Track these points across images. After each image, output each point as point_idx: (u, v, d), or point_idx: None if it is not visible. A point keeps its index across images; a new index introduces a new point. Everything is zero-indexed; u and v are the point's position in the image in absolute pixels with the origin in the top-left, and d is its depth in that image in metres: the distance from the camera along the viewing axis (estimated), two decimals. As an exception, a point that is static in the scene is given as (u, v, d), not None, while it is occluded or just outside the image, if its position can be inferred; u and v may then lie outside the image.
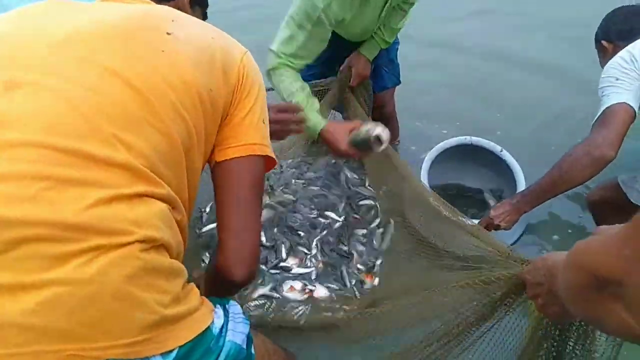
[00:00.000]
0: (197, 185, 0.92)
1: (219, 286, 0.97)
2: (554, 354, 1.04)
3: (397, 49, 2.37)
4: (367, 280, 1.61)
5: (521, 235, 2.08)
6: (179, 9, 0.98)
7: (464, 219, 1.45)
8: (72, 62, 0.77)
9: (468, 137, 2.16)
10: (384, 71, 2.35)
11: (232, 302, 0.96)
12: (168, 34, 0.84)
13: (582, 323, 0.99)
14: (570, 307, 0.70)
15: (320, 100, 1.93)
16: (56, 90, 0.73)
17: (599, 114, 1.67)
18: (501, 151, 2.09)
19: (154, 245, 0.74)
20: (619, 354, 0.98)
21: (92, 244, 0.67)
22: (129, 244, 0.70)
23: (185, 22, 0.90)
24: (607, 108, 1.64)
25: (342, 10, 1.72)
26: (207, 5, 1.30)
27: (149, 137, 0.77)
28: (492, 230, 1.77)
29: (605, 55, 1.87)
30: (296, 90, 1.76)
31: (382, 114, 2.42)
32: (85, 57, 0.78)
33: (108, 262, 0.68)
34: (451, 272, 1.28)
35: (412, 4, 2.02)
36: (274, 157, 0.99)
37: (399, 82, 2.46)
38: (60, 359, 0.65)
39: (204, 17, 1.29)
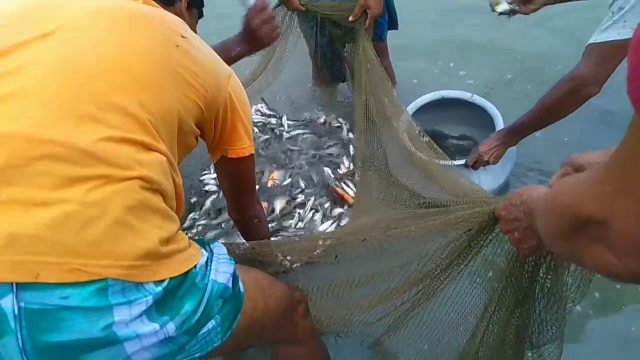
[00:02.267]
0: (181, 159, 1.04)
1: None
2: (525, 284, 1.08)
3: (384, 5, 2.21)
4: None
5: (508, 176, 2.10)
6: (176, 13, 1.13)
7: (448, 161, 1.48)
8: (106, 26, 0.89)
9: (438, 92, 2.17)
10: (380, 19, 2.21)
11: (216, 243, 1.04)
12: (183, 36, 0.97)
13: (554, 256, 1.02)
14: (550, 246, 0.71)
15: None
16: (91, 43, 0.85)
17: (597, 40, 1.55)
18: (472, 97, 2.10)
19: (152, 187, 0.83)
20: (589, 287, 1.02)
21: (100, 172, 0.76)
22: (132, 178, 0.79)
23: (192, 35, 1.04)
24: (610, 42, 1.51)
25: None
26: (202, 5, 1.35)
27: (157, 102, 0.87)
28: (481, 167, 1.84)
29: None
30: None
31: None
32: (116, 26, 0.89)
33: (112, 191, 0.76)
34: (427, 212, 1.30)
35: None
36: (252, 149, 1.19)
37: (382, 39, 2.36)
38: (64, 271, 0.71)
39: (200, 15, 1.36)
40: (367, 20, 2.02)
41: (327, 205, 1.92)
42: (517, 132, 1.80)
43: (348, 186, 1.99)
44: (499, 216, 0.98)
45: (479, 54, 3.01)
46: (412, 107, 2.12)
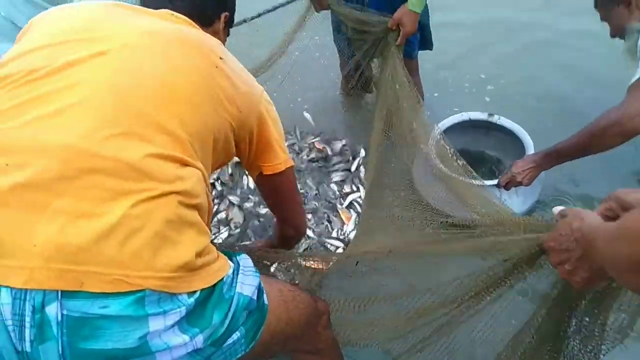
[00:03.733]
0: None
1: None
2: (563, 319, 1.05)
3: (425, 21, 2.27)
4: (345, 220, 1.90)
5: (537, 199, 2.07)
6: (214, 32, 1.18)
7: (480, 181, 1.45)
8: (152, 47, 0.94)
9: (465, 114, 2.15)
10: (412, 37, 2.22)
11: (243, 255, 1.06)
12: (221, 58, 1.02)
13: (598, 291, 0.98)
14: (617, 278, 0.69)
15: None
16: (140, 64, 0.90)
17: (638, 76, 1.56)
18: (499, 119, 2.08)
19: (190, 202, 0.86)
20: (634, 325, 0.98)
21: (144, 186, 0.80)
22: (172, 193, 0.83)
23: (229, 57, 1.08)
24: None
25: None
26: (233, 23, 1.37)
27: (196, 122, 0.92)
28: (513, 187, 1.81)
29: (631, 13, 1.75)
30: None
31: None
32: (162, 47, 0.95)
33: (154, 205, 0.80)
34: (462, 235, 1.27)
35: None
36: (292, 162, 1.24)
37: (413, 57, 2.35)
38: (107, 281, 0.75)
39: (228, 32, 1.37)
40: (400, 37, 2.02)
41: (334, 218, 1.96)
42: (554, 157, 1.76)
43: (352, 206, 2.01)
44: (548, 248, 0.94)
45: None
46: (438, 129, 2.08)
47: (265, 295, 1.02)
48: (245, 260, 1.04)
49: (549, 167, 1.81)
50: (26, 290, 0.73)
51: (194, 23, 1.10)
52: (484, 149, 2.25)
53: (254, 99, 1.09)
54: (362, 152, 2.28)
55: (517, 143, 2.03)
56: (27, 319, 0.73)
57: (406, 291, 1.26)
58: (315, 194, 2.08)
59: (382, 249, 1.22)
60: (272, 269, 1.42)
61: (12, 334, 0.74)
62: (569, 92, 2.70)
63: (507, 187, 1.83)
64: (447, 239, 1.20)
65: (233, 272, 0.95)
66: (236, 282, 0.95)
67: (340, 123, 2.58)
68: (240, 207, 2.05)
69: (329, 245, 1.86)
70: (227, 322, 0.90)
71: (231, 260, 0.99)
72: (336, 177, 2.18)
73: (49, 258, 0.73)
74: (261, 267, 1.25)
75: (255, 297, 0.97)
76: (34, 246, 0.73)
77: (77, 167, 0.78)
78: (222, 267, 0.92)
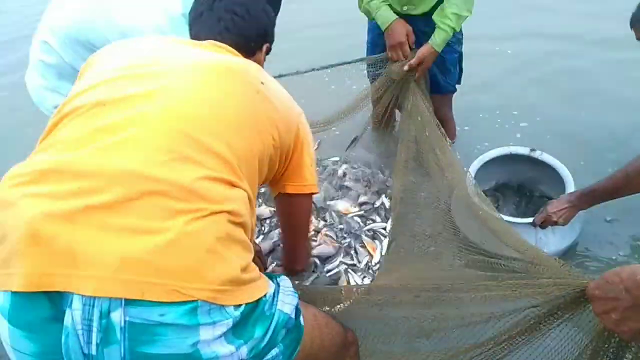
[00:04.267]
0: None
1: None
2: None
3: (458, 57, 2.35)
4: (372, 252, 1.90)
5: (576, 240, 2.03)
6: (256, 60, 1.26)
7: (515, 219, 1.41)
8: (202, 78, 1.03)
9: (506, 148, 2.15)
10: (440, 78, 2.34)
11: (283, 277, 1.12)
12: (262, 83, 1.10)
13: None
14: None
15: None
16: (191, 93, 0.99)
17: None
18: (541, 154, 2.05)
19: (237, 220, 0.93)
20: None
21: (197, 206, 0.87)
22: (221, 212, 0.90)
23: (269, 80, 1.16)
24: None
25: None
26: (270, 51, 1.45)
27: (242, 146, 1.00)
28: (549, 226, 1.78)
29: None
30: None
31: (436, 117, 2.35)
32: (210, 77, 1.03)
33: (206, 223, 0.87)
34: (498, 275, 1.24)
35: None
36: (317, 189, 1.30)
37: (454, 90, 2.45)
38: (165, 292, 0.81)
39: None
40: (417, 74, 2.14)
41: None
42: (590, 197, 1.71)
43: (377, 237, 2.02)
44: (592, 296, 0.92)
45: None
46: (478, 162, 2.10)
47: (302, 316, 1.06)
48: (284, 281, 1.09)
49: (586, 208, 1.77)
50: (95, 297, 0.80)
51: (237, 52, 1.17)
52: (523, 182, 2.23)
53: (292, 120, 1.16)
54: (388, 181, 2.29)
55: (557, 178, 1.99)
56: (95, 324, 0.81)
57: (437, 329, 1.23)
58: (341, 228, 2.08)
59: (409, 287, 1.20)
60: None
61: (81, 338, 0.81)
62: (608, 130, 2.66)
63: (542, 226, 1.80)
64: (479, 278, 1.18)
65: (274, 292, 1.01)
66: (277, 300, 1.00)
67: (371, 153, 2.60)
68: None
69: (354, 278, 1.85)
70: (268, 336, 0.95)
71: (272, 280, 1.05)
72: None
73: (115, 270, 0.81)
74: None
75: (293, 316, 1.02)
76: (103, 259, 0.81)
77: (139, 190, 0.86)
78: (265, 284, 0.98)
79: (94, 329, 0.81)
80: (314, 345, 1.09)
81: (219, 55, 1.11)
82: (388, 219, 2.08)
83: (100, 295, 0.80)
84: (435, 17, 2.08)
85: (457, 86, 2.45)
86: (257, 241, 1.98)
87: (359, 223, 2.08)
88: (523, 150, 2.09)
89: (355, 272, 1.85)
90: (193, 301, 0.83)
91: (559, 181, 1.96)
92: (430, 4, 2.11)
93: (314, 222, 2.06)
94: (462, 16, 2.06)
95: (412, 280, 1.39)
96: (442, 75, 2.34)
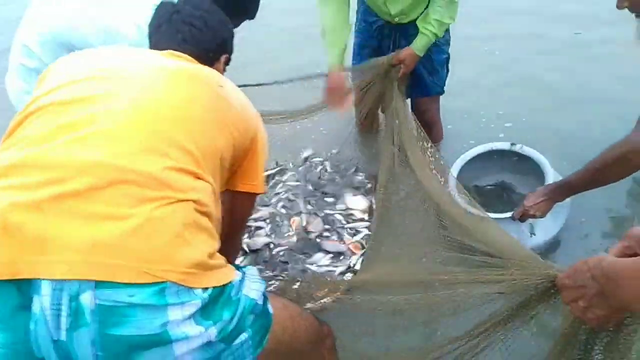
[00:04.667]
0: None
1: None
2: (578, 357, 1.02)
3: (446, 59, 2.38)
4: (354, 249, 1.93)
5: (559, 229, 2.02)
6: (216, 70, 1.28)
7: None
8: (168, 80, 1.08)
9: (488, 145, 2.17)
10: (428, 79, 2.37)
11: (249, 266, 1.16)
12: (220, 86, 1.16)
13: (612, 331, 0.96)
14: None
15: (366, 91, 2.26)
16: (158, 94, 1.04)
17: None
18: (521, 147, 2.08)
19: (203, 210, 0.97)
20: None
21: (164, 194, 0.92)
22: (188, 200, 0.94)
23: (228, 84, 1.22)
24: None
25: None
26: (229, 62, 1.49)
27: (206, 142, 1.04)
28: (529, 220, 1.81)
29: None
30: (329, 29, 2.11)
31: (423, 119, 2.41)
32: (176, 80, 1.09)
33: (173, 210, 0.92)
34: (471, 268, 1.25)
35: None
36: (264, 189, 1.37)
37: (442, 92, 2.47)
38: (135, 273, 0.85)
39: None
40: (400, 73, 2.18)
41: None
42: (565, 189, 1.76)
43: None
44: (561, 285, 0.93)
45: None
46: (461, 160, 2.12)
47: (269, 304, 1.09)
48: (251, 269, 1.13)
49: (562, 199, 1.79)
50: (64, 281, 0.82)
51: (195, 61, 1.21)
52: (505, 179, 2.25)
53: (250, 122, 1.22)
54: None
55: (539, 173, 2.01)
56: (64, 308, 0.82)
57: (412, 325, 1.24)
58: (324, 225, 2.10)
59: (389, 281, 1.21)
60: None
61: (50, 324, 0.83)
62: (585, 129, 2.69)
63: (521, 219, 1.82)
64: (457, 272, 1.18)
65: (241, 279, 1.05)
66: (243, 286, 1.04)
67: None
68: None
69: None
70: (235, 320, 0.97)
71: (238, 270, 1.08)
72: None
73: (85, 253, 0.84)
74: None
75: (260, 302, 1.05)
76: (72, 244, 0.84)
77: (107, 178, 0.89)
78: (231, 272, 1.03)
79: (63, 314, 0.82)
80: (286, 334, 1.11)
81: (180, 62, 1.17)
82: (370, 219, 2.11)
83: (70, 277, 0.82)
84: (418, 22, 2.14)
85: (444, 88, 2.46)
86: (245, 240, 2.00)
87: (340, 221, 2.10)
88: (504, 146, 2.12)
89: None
90: (162, 282, 0.86)
91: (541, 176, 1.98)
92: (420, 11, 2.16)
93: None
94: (444, 23, 2.10)
95: (388, 277, 1.39)
96: (430, 77, 2.37)
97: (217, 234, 1.03)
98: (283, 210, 2.18)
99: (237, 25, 1.67)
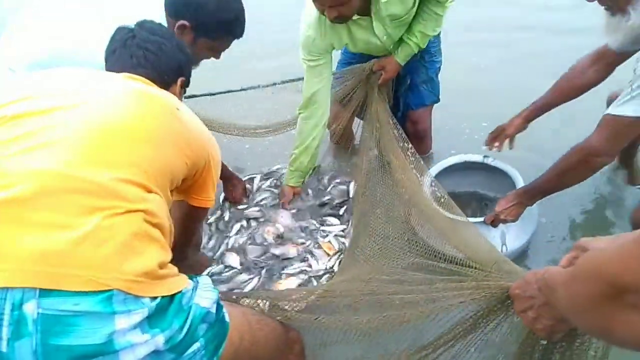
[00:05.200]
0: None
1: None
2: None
3: (439, 67, 2.36)
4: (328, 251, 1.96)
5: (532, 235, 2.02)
6: (172, 93, 1.31)
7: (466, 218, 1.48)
8: (123, 98, 1.09)
9: (462, 156, 2.18)
10: (422, 88, 2.35)
11: (203, 276, 1.17)
12: (177, 109, 1.18)
13: (565, 343, 0.96)
14: (575, 319, 0.71)
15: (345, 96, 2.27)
16: (111, 110, 1.05)
17: (613, 112, 1.51)
18: (493, 160, 2.10)
19: (153, 221, 0.98)
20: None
21: (113, 204, 0.92)
22: (138, 211, 0.95)
23: (183, 108, 1.24)
24: (627, 117, 1.49)
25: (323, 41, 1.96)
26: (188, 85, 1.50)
27: (158, 158, 1.06)
28: (500, 224, 1.82)
29: None
30: (300, 147, 2.18)
31: (416, 130, 2.39)
32: (131, 99, 1.09)
33: (122, 219, 0.92)
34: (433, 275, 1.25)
35: (440, 8, 2.00)
36: (213, 204, 1.46)
37: (437, 100, 2.44)
38: (81, 281, 0.84)
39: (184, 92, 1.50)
40: (380, 79, 2.17)
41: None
42: (532, 193, 1.78)
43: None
44: (513, 295, 0.93)
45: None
46: (435, 169, 2.12)
47: (225, 312, 1.09)
48: (204, 279, 1.13)
49: (532, 203, 1.81)
50: (7, 288, 0.81)
51: (151, 83, 1.23)
52: (479, 189, 2.26)
53: (205, 145, 1.26)
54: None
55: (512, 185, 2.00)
56: (6, 317, 0.81)
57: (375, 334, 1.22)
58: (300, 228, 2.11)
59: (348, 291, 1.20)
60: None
61: None
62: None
63: (493, 224, 1.83)
64: (416, 281, 1.18)
65: (193, 288, 1.04)
66: (194, 295, 1.03)
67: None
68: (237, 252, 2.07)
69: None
70: (185, 329, 0.97)
71: (192, 279, 1.08)
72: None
73: (29, 261, 0.83)
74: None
75: (213, 311, 1.05)
76: (16, 252, 0.83)
77: (56, 186, 0.89)
78: (182, 281, 1.02)
79: (5, 323, 0.81)
80: (244, 341, 1.10)
81: (136, 83, 1.18)
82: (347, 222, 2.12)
83: (13, 285, 0.81)
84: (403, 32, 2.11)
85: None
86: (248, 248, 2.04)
87: (314, 224, 2.11)
88: (477, 158, 2.14)
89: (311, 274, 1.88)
90: (108, 290, 0.86)
91: (513, 187, 1.97)
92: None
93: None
94: (427, 35, 2.08)
95: (356, 283, 1.39)
96: (426, 85, 2.35)
97: (168, 245, 1.04)
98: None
99: (227, 46, 1.69)
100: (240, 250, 2.03)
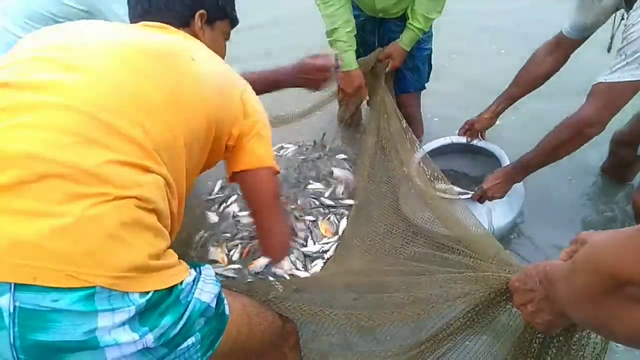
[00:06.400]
0: (193, 183, 1.12)
1: None
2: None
3: (428, 55, 2.38)
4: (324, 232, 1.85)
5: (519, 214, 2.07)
6: (193, 34, 1.21)
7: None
8: (118, 60, 0.99)
9: (448, 138, 2.21)
10: (408, 76, 2.37)
11: (207, 265, 1.07)
12: (192, 59, 1.07)
13: (562, 338, 0.96)
14: (575, 313, 0.71)
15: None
16: (103, 76, 0.95)
17: (608, 79, 1.54)
18: (479, 142, 2.14)
19: (148, 207, 0.89)
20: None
21: (100, 191, 0.84)
22: (129, 197, 0.86)
23: (201, 56, 1.12)
24: (623, 82, 1.51)
25: None
26: (228, 14, 1.33)
27: (161, 130, 0.96)
28: (487, 201, 1.84)
29: None
30: (340, 25, 2.04)
31: (404, 113, 2.36)
32: (128, 59, 0.99)
33: (109, 208, 0.83)
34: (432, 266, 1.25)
35: None
36: (275, 164, 1.22)
37: (422, 88, 2.47)
38: (59, 277, 0.78)
39: (233, 23, 1.36)
40: (387, 68, 2.19)
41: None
42: (521, 169, 1.80)
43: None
44: (513, 288, 0.93)
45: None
46: (421, 152, 2.09)
47: (226, 305, 1.03)
48: (207, 269, 1.05)
49: (520, 179, 1.84)
50: None
51: (168, 27, 1.14)
52: (467, 171, 2.28)
53: (233, 97, 1.12)
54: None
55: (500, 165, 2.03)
56: None
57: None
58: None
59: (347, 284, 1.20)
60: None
61: None
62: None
63: (480, 200, 1.85)
64: (414, 272, 1.18)
65: (194, 280, 0.97)
66: (195, 289, 0.97)
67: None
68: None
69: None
70: (180, 324, 0.91)
71: (194, 269, 1.01)
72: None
73: (5, 253, 0.77)
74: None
75: (213, 305, 0.99)
76: None
77: (37, 172, 0.82)
78: (181, 272, 0.95)
79: None
80: (241, 335, 1.07)
81: (146, 36, 1.08)
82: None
83: None
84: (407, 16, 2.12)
85: (426, 84, 2.46)
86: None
87: (315, 201, 2.02)
88: (463, 139, 2.17)
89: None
90: (90, 287, 0.80)
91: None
92: (404, 7, 2.14)
93: None
94: (430, 18, 2.09)
95: (353, 275, 1.38)
96: (411, 73, 2.36)
97: (167, 231, 0.95)
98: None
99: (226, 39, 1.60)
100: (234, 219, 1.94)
